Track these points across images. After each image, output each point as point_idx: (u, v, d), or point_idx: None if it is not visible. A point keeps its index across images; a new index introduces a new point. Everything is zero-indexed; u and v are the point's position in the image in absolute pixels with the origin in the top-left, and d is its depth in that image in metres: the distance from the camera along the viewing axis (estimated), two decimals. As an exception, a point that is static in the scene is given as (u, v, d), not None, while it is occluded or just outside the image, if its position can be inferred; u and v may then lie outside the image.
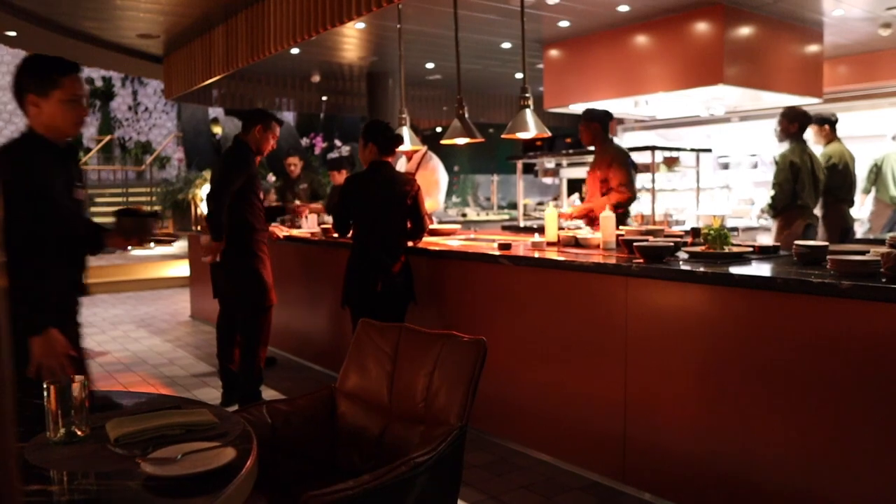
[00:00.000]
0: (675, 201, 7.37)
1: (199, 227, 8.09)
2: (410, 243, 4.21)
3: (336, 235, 4.36)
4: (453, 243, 4.61)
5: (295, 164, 7.36)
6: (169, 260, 11.96)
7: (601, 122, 5.07)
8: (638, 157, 6.85)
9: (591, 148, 5.30)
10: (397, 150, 4.38)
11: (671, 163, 6.61)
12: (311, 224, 5.68)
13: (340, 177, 6.98)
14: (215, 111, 18.03)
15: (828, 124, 5.88)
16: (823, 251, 2.98)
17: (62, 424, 1.64)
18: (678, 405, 3.03)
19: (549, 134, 4.42)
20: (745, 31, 6.40)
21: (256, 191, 4.43)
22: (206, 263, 4.80)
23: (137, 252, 13.44)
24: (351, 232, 4.16)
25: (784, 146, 5.44)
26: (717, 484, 2.89)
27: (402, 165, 6.03)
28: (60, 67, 2.41)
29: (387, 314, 3.86)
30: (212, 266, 4.69)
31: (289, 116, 18.10)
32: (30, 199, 2.33)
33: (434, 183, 5.71)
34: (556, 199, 7.87)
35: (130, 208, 2.70)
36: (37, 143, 2.44)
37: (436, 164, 5.78)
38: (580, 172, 7.44)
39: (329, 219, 5.75)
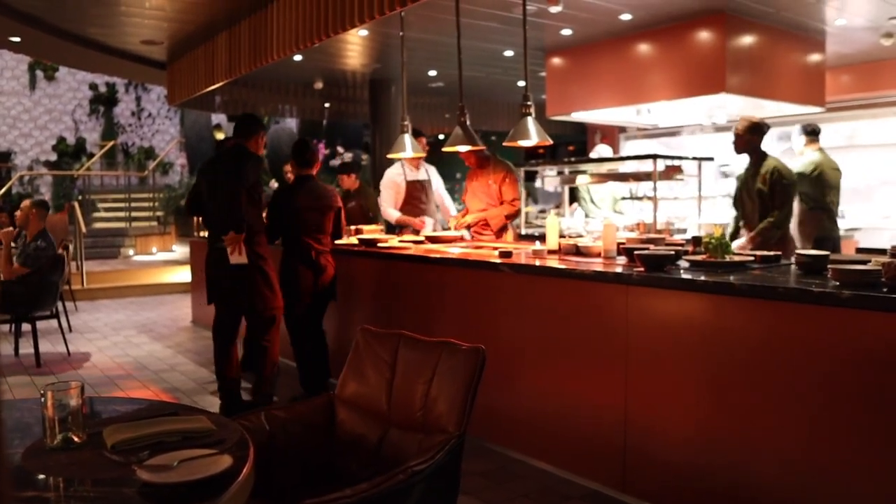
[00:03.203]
0: (676, 210, 7.36)
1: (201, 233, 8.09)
2: (335, 241, 4.70)
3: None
4: (454, 251, 4.61)
5: (289, 172, 7.57)
6: (171, 266, 11.98)
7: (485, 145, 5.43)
8: (640, 166, 6.86)
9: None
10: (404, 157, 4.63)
11: (673, 171, 6.59)
12: None
13: (349, 180, 7.05)
14: (218, 117, 18.07)
15: (815, 133, 5.80)
16: (825, 260, 2.98)
17: (59, 430, 1.64)
18: (679, 414, 3.02)
19: (551, 142, 4.42)
20: (747, 39, 6.41)
21: (260, 196, 4.45)
22: (203, 269, 4.74)
23: (139, 258, 13.45)
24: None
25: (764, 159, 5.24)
26: (717, 494, 2.87)
27: (397, 168, 6.06)
28: None
29: (312, 311, 4.62)
30: (209, 271, 4.55)
31: (291, 123, 18.13)
32: None
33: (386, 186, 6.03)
34: (558, 206, 7.86)
35: None
36: None
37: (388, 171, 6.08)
38: (582, 181, 7.42)
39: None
